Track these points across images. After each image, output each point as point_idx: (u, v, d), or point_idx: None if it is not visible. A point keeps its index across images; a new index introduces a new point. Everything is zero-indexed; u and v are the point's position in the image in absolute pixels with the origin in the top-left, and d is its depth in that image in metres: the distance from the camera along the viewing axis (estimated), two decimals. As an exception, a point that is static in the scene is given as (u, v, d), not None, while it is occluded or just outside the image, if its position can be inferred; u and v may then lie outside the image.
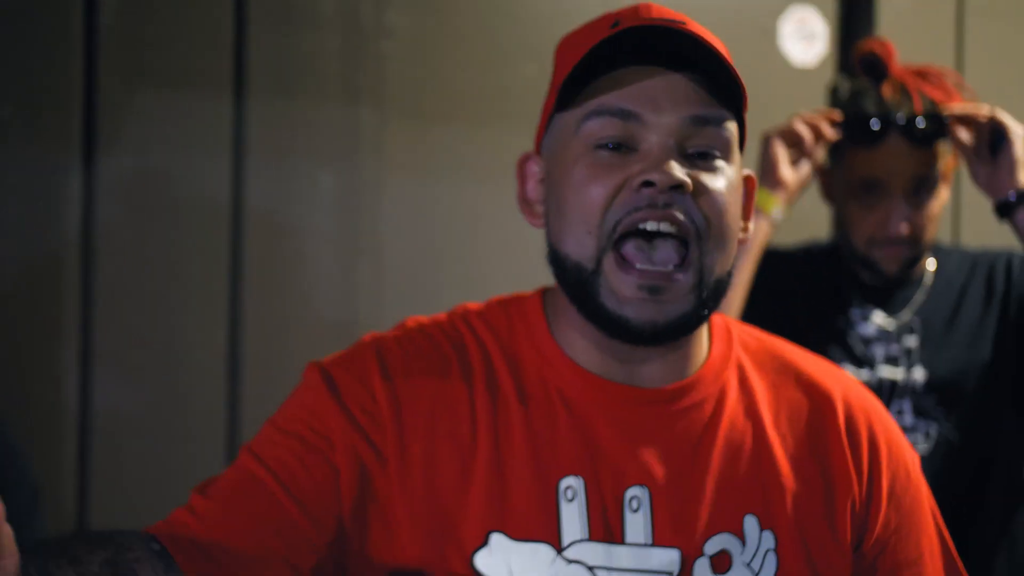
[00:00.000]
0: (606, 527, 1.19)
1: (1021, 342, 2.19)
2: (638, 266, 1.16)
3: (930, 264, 2.25)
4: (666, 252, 1.16)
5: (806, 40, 3.02)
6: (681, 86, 1.17)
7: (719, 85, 1.18)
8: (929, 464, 2.12)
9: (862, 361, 2.20)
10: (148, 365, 2.56)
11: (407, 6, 2.74)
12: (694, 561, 1.19)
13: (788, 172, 2.10)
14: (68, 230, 2.55)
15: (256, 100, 2.65)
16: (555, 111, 1.23)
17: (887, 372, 2.19)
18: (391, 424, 1.20)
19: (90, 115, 2.57)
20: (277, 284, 2.65)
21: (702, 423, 1.23)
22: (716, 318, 1.29)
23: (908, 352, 2.21)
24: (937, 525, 1.32)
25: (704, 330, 1.26)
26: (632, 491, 1.20)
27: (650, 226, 1.15)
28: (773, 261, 2.33)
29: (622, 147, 1.17)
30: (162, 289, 2.60)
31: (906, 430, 2.16)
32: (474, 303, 1.31)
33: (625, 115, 1.17)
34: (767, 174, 2.10)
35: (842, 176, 2.20)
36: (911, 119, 2.10)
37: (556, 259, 1.22)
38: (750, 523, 1.21)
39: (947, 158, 2.16)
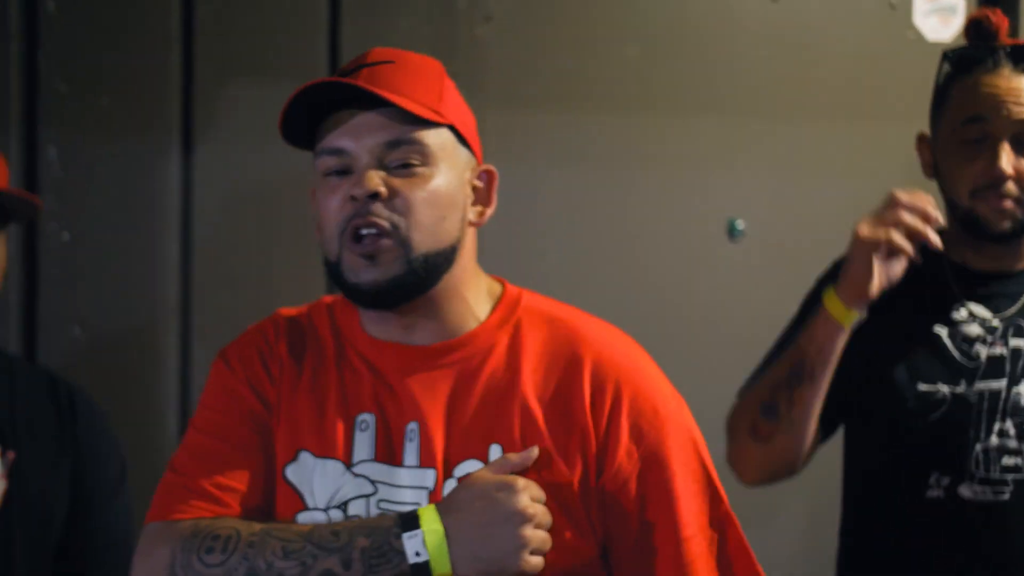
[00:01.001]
0: (388, 451, 1.55)
1: None
2: (357, 244, 1.53)
3: None
4: (371, 237, 1.53)
5: (942, 15, 2.85)
6: (376, 120, 1.53)
7: (411, 113, 1.53)
8: None
9: (961, 370, 2.09)
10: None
11: (504, -10, 2.71)
12: (444, 480, 1.54)
13: (877, 287, 1.98)
14: (167, 218, 2.63)
15: (352, 87, 2.66)
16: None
17: (988, 385, 2.08)
18: (271, 383, 1.62)
19: (188, 105, 2.64)
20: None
21: (467, 373, 1.57)
22: (510, 290, 1.64)
23: (1015, 356, 2.08)
24: (697, 462, 1.60)
25: (471, 301, 1.60)
26: (410, 425, 1.55)
27: (363, 231, 1.53)
28: None
29: (343, 172, 1.55)
30: (260, 275, 2.65)
31: (1008, 452, 2.05)
32: (329, 297, 1.68)
33: (338, 152, 1.55)
34: (850, 285, 1.99)
35: (946, 127, 2.11)
36: (1017, 47, 2.08)
37: (325, 262, 1.58)
38: (495, 450, 1.54)
39: None
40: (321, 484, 1.55)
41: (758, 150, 2.84)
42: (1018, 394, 2.06)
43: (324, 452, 1.56)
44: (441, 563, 1.45)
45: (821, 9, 2.86)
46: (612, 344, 1.63)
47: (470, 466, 1.54)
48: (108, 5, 2.61)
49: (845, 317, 1.98)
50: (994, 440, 2.05)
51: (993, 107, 2.05)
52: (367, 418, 1.57)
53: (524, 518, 1.45)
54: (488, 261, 2.67)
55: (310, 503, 1.55)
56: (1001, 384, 2.07)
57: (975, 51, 2.12)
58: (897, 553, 2.12)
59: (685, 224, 2.84)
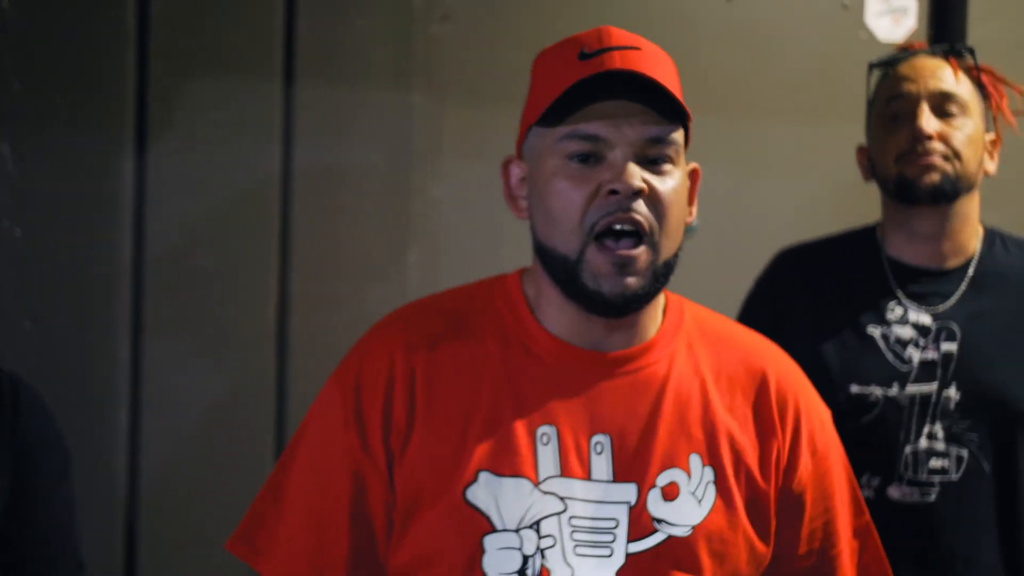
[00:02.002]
0: (575, 466, 1.47)
1: None
2: (609, 245, 1.45)
3: (979, 246, 2.18)
4: (628, 241, 1.46)
5: (894, 15, 2.88)
6: (638, 113, 1.46)
7: (670, 105, 1.48)
8: (959, 493, 2.09)
9: (894, 373, 2.12)
10: (198, 344, 2.63)
11: (459, -11, 2.73)
12: (648, 491, 1.48)
13: None
14: (120, 214, 2.63)
15: (305, 85, 2.68)
16: (532, 124, 1.51)
17: (919, 389, 2.12)
18: (402, 422, 1.50)
19: (143, 101, 2.64)
20: (327, 266, 2.69)
21: (655, 381, 1.52)
22: (672, 297, 1.59)
23: (946, 361, 2.12)
24: (847, 473, 1.64)
25: (657, 305, 1.55)
26: (597, 438, 1.48)
27: (617, 226, 1.45)
28: (799, 256, 2.29)
29: (591, 158, 1.46)
30: (214, 271, 2.66)
31: (936, 454, 2.10)
32: (486, 281, 1.59)
33: (594, 139, 1.46)
34: None
35: (875, 118, 2.21)
36: (934, 46, 2.22)
37: (543, 251, 1.51)
38: (695, 460, 1.50)
39: (973, 93, 2.16)
40: (509, 504, 1.46)
41: (713, 148, 2.85)
42: (947, 398, 2.10)
43: (508, 470, 1.47)
44: None
45: (775, 9, 2.88)
46: (784, 359, 1.62)
47: (672, 475, 1.49)
48: (63, 2, 2.61)
49: None
50: (923, 443, 2.10)
51: (912, 81, 2.14)
52: (548, 431, 1.49)
53: None
54: (450, 258, 2.73)
55: (498, 524, 1.47)
56: (932, 388, 2.10)
57: (893, 54, 2.24)
58: None
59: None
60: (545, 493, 1.47)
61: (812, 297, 2.21)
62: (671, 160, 1.48)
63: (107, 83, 2.62)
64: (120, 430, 2.62)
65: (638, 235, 1.46)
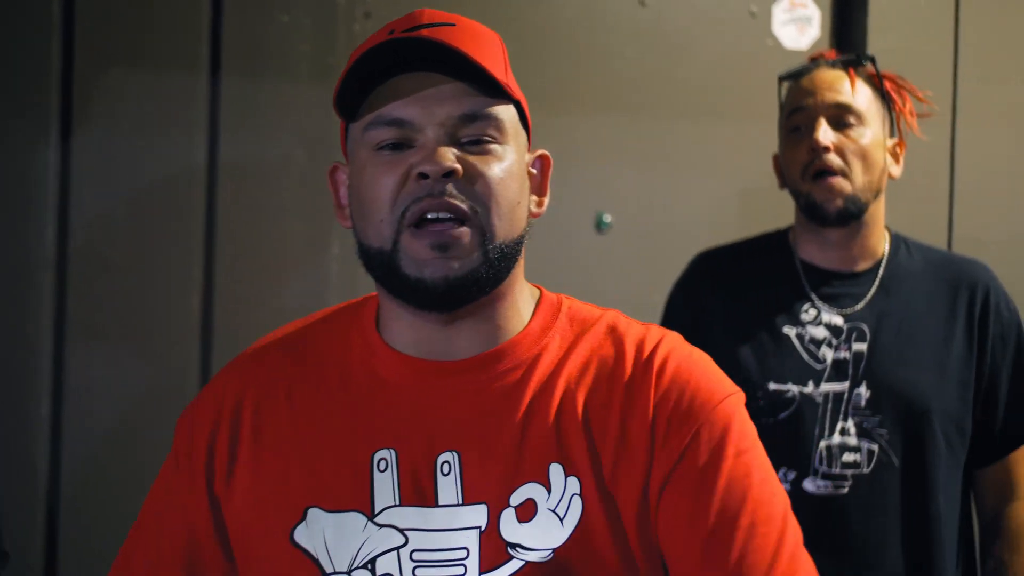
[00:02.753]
0: (417, 492, 1.30)
1: (988, 379, 2.20)
2: (428, 228, 1.29)
3: (886, 250, 2.27)
4: (448, 224, 1.30)
5: (799, 24, 2.98)
6: (449, 89, 1.31)
7: (485, 81, 1.32)
8: (870, 485, 2.17)
9: (809, 371, 2.21)
10: (121, 339, 2.62)
11: (383, -13, 2.74)
12: (500, 512, 1.29)
13: None
14: (43, 206, 2.61)
15: (230, 78, 2.68)
16: (347, 122, 1.38)
17: (832, 387, 2.20)
18: (224, 461, 1.38)
19: (67, 93, 2.61)
20: (249, 262, 2.69)
21: (509, 387, 1.34)
22: (547, 294, 1.43)
23: (857, 360, 2.21)
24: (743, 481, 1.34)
25: (519, 303, 1.39)
26: (443, 457, 1.31)
27: (430, 215, 1.29)
28: (716, 259, 2.37)
29: (402, 145, 1.31)
30: (136, 264, 2.65)
31: (849, 449, 2.18)
32: (327, 309, 1.47)
33: (399, 123, 1.31)
34: None
35: (781, 129, 2.29)
36: (837, 58, 2.28)
37: (363, 251, 1.35)
38: (555, 471, 1.30)
39: (873, 101, 2.23)
40: (339, 542, 1.29)
41: (625, 146, 2.92)
42: (859, 395, 2.19)
43: (338, 505, 1.30)
44: None
45: (686, 14, 2.96)
46: (680, 349, 1.39)
47: (529, 491, 1.30)
48: None
49: None
50: (836, 438, 2.18)
51: (810, 95, 2.23)
52: (386, 455, 1.31)
53: None
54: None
55: (327, 568, 1.30)
56: (844, 386, 2.20)
57: (799, 67, 2.32)
58: None
59: (554, 216, 2.90)
60: (381, 526, 1.29)
61: (730, 299, 2.29)
62: (494, 139, 1.32)
63: (30, 74, 2.59)
64: (41, 422, 2.61)
65: (460, 220, 1.30)
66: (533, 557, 1.28)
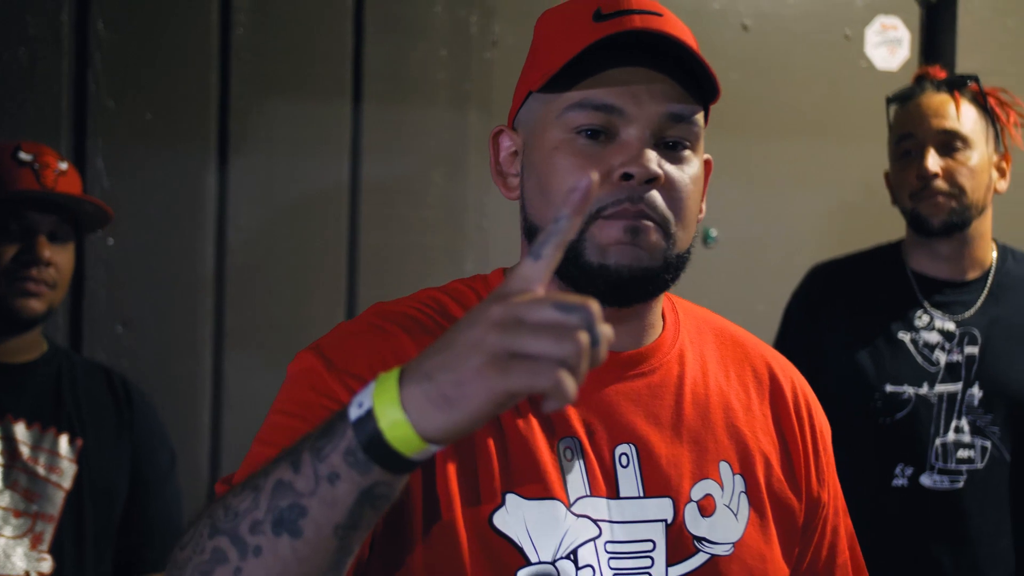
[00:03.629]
0: (603, 482, 1.25)
1: None
2: (622, 218, 1.24)
3: (994, 259, 2.40)
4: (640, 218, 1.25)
5: (890, 46, 3.16)
6: (660, 83, 1.24)
7: (695, 82, 1.27)
8: (984, 480, 2.32)
9: (923, 373, 2.33)
10: (275, 348, 2.79)
11: (510, 18, 2.91)
12: (684, 506, 1.27)
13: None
14: (204, 226, 2.79)
15: (372, 104, 2.85)
16: (532, 90, 1.30)
17: (946, 388, 2.32)
18: None
19: (224, 119, 2.79)
20: (391, 274, 2.86)
21: (671, 382, 1.31)
22: (665, 296, 1.37)
23: (969, 363, 2.35)
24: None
25: (659, 304, 1.34)
26: (621, 448, 1.27)
27: (628, 215, 1.24)
28: (833, 272, 2.52)
29: (601, 135, 1.25)
30: (286, 275, 2.82)
31: (963, 446, 2.31)
32: (433, 288, 1.37)
33: (608, 109, 1.24)
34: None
35: (891, 152, 2.41)
36: (943, 79, 2.38)
37: (532, 229, 1.29)
38: (724, 468, 1.30)
39: (978, 121, 2.35)
40: (541, 532, 1.22)
41: (731, 164, 3.04)
42: (971, 395, 2.33)
43: (536, 492, 1.23)
44: (387, 411, 1.00)
45: (786, 38, 3.12)
46: (779, 355, 1.43)
47: (706, 487, 1.29)
48: (152, 27, 2.74)
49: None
50: (951, 436, 2.32)
51: (918, 122, 2.35)
52: (571, 444, 1.26)
53: (490, 323, 0.97)
54: (492, 264, 2.92)
55: (532, 556, 1.22)
56: (957, 387, 2.34)
57: (907, 88, 2.44)
58: (866, 536, 2.38)
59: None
60: (578, 516, 1.24)
61: (847, 308, 2.42)
62: (691, 146, 1.27)
63: (192, 102, 2.77)
64: (203, 428, 2.77)
65: (652, 222, 1.25)
66: (718, 551, 1.28)
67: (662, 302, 1.35)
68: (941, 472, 2.31)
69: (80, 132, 2.70)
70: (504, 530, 1.22)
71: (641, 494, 1.26)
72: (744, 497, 1.31)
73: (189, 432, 2.74)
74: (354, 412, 1.02)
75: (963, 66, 3.09)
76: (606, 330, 0.98)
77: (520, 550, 1.21)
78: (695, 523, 1.27)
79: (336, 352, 1.24)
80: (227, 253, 2.78)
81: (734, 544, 1.28)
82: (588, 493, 1.25)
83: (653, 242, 1.24)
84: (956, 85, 2.38)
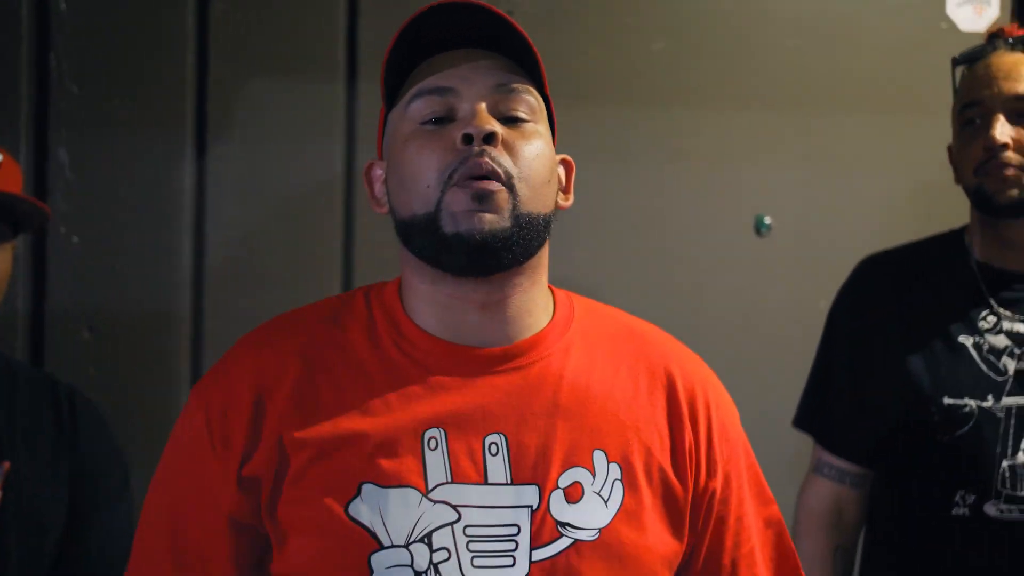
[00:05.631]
0: (469, 470, 1.37)
1: None
2: (471, 184, 1.35)
3: None
4: (485, 182, 1.36)
5: (976, 5, 2.77)
6: (485, 60, 1.39)
7: (520, 63, 1.41)
8: None
9: (989, 383, 2.05)
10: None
11: (522, -11, 2.67)
12: (550, 493, 1.37)
13: None
14: (180, 220, 2.60)
15: (369, 86, 2.63)
16: (387, 112, 1.46)
17: (1016, 401, 2.04)
18: (272, 438, 1.39)
19: (202, 105, 2.60)
20: (391, 275, 2.62)
21: (550, 375, 1.42)
22: (559, 292, 1.50)
23: None
24: (751, 462, 1.54)
25: (539, 298, 1.45)
26: (491, 438, 1.38)
27: (478, 172, 1.35)
28: (884, 264, 2.22)
29: (444, 120, 1.38)
30: (272, 276, 2.62)
31: None
32: (362, 288, 1.50)
33: (442, 91, 1.38)
34: None
35: (955, 121, 2.14)
36: (1017, 36, 2.11)
37: (404, 227, 1.41)
38: (599, 457, 1.40)
39: None
40: (396, 517, 1.35)
41: (786, 144, 2.79)
42: None
43: (393, 480, 1.35)
44: None
45: (851, -1, 2.80)
46: (688, 355, 1.53)
47: (575, 475, 1.39)
48: (121, 4, 2.58)
49: None
50: (1021, 457, 2.02)
51: (986, 86, 2.07)
52: (435, 434, 1.38)
53: None
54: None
55: (385, 541, 1.34)
56: None
57: (976, 47, 2.15)
58: (922, 570, 2.09)
59: (713, 218, 2.79)
60: (435, 502, 1.36)
61: (900, 307, 2.14)
62: (531, 120, 1.40)
63: (166, 86, 2.59)
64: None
65: (498, 181, 1.36)
66: (581, 536, 1.38)
67: (539, 300, 1.46)
68: (1009, 500, 2.03)
69: (41, 121, 2.58)
70: (359, 518, 1.34)
71: (509, 481, 1.37)
72: (619, 484, 1.41)
73: (161, 449, 2.53)
74: None
75: (1063, 26, 2.70)
76: None
77: (374, 535, 1.34)
78: (560, 509, 1.38)
79: (217, 410, 1.41)
80: (206, 252, 2.62)
81: (600, 530, 1.38)
82: (449, 480, 1.36)
83: (500, 203, 1.35)
84: None
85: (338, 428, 1.38)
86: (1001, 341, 2.06)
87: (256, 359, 1.43)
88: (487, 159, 1.35)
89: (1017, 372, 2.04)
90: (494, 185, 1.35)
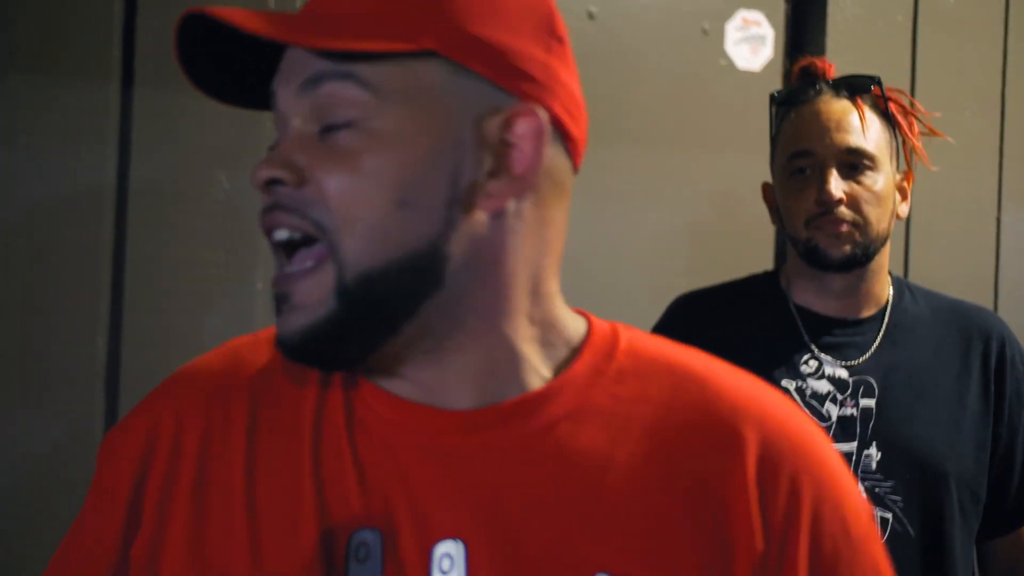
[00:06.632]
0: None
1: (1005, 442, 2.03)
2: (275, 276, 0.97)
3: (890, 295, 2.08)
4: (301, 256, 0.95)
5: (752, 44, 2.80)
6: (294, 55, 0.98)
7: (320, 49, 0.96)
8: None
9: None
10: (16, 384, 2.28)
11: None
12: None
13: None
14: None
15: (145, 90, 2.36)
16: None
17: (838, 448, 1.98)
18: (153, 504, 1.02)
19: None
20: (163, 293, 2.38)
21: (544, 451, 0.96)
22: (602, 324, 1.06)
23: (865, 417, 2.01)
24: None
25: (533, 345, 1.00)
26: (443, 547, 0.93)
27: (275, 236, 0.96)
28: (699, 305, 2.16)
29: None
30: (26, 301, 2.31)
31: None
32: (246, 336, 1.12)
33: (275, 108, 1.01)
34: None
35: (778, 166, 2.05)
36: (837, 79, 2.04)
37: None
38: None
39: (882, 135, 2.01)
40: None
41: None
42: (869, 457, 1.99)
43: None
44: None
45: (637, 30, 2.75)
46: (783, 415, 1.04)
47: None
48: None
49: None
50: None
51: (817, 136, 1.98)
52: (368, 538, 0.93)
53: None
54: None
55: None
56: (852, 447, 2.00)
57: (798, 88, 2.06)
58: None
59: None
60: None
61: (718, 349, 2.06)
62: (365, 116, 0.96)
63: None
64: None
65: (307, 243, 0.97)
66: None
67: (530, 342, 1.00)
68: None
69: None
70: None
71: None
72: None
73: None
74: None
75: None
76: None
77: None
78: None
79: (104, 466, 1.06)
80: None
81: None
82: None
83: (307, 294, 0.94)
84: (858, 89, 2.01)
85: (243, 509, 0.99)
86: (823, 386, 2.02)
87: (157, 410, 1.08)
88: (278, 214, 0.99)
89: (840, 418, 2.00)
90: (293, 282, 0.99)
